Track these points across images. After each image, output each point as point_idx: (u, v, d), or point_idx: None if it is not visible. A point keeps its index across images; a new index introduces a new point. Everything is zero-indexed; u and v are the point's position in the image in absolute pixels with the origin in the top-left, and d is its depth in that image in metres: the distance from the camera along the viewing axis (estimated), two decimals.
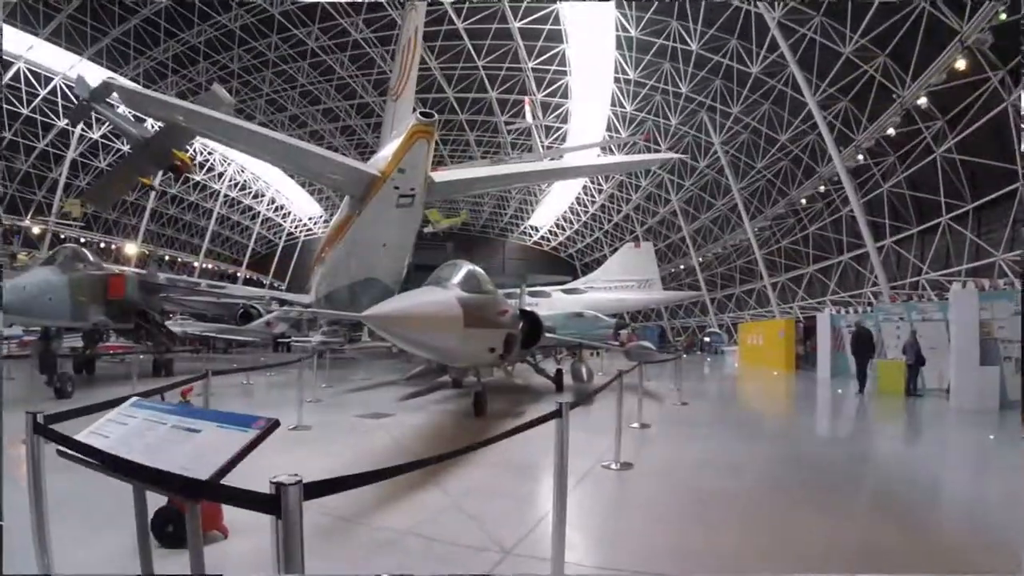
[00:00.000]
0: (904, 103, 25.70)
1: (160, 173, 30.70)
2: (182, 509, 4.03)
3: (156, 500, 3.68)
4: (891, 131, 26.96)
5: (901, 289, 29.49)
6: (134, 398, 3.46)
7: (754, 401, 18.19)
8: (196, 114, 16.06)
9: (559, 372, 16.64)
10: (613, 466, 7.05)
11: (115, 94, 20.83)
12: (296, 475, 2.06)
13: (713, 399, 17.58)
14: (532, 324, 12.88)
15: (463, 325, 8.69)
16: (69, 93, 35.74)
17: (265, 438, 2.60)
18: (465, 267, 10.24)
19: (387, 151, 17.72)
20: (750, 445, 9.51)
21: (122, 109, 25.47)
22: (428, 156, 16.70)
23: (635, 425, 9.95)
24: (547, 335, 14.34)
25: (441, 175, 20.73)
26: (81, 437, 3.11)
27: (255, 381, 17.93)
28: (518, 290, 21.16)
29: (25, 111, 43.44)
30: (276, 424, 2.64)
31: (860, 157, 29.44)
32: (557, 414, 4.11)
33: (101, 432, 3.17)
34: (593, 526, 5.43)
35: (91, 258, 15.90)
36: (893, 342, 19.53)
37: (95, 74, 32.54)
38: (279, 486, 2.01)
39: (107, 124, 35.47)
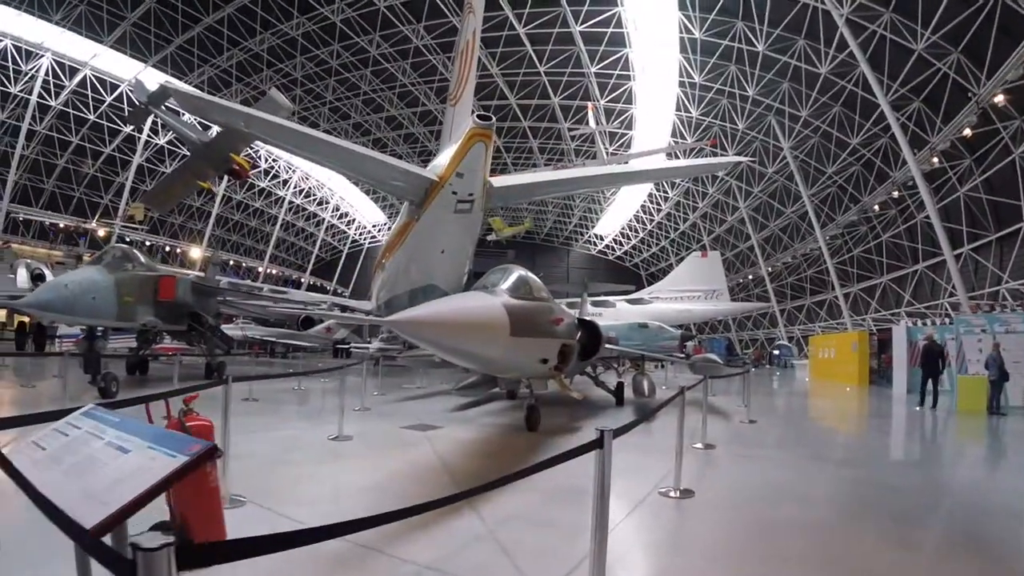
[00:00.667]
0: (980, 101, 24.24)
1: (225, 178, 31.17)
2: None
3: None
4: (967, 132, 25.58)
5: (980, 299, 27.99)
6: (89, 406, 2.90)
7: (827, 419, 16.95)
8: (252, 118, 16.00)
9: (620, 385, 15.77)
10: (672, 493, 6.20)
11: (173, 98, 21.14)
12: (169, 535, 1.36)
13: (783, 416, 16.49)
14: (591, 334, 12.17)
15: (509, 333, 8.00)
16: (133, 98, 36.95)
17: (195, 468, 1.94)
18: (516, 272, 9.56)
19: (445, 156, 17.35)
20: (824, 469, 8.54)
21: (186, 116, 25.94)
22: (487, 160, 16.16)
23: (698, 445, 9.07)
24: (608, 346, 13.72)
25: (500, 180, 20.22)
26: (17, 448, 2.66)
27: (307, 387, 17.71)
28: (579, 299, 20.49)
29: (92, 117, 45.45)
30: (212, 451, 1.99)
31: (935, 160, 28.00)
32: (598, 444, 3.36)
33: (41, 443, 2.68)
34: (645, 563, 4.68)
35: (142, 259, 15.83)
36: (975, 356, 18.41)
37: (159, 81, 33.38)
38: (135, 549, 1.33)
39: (169, 129, 36.46)
